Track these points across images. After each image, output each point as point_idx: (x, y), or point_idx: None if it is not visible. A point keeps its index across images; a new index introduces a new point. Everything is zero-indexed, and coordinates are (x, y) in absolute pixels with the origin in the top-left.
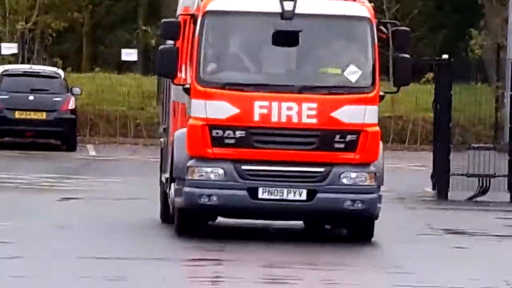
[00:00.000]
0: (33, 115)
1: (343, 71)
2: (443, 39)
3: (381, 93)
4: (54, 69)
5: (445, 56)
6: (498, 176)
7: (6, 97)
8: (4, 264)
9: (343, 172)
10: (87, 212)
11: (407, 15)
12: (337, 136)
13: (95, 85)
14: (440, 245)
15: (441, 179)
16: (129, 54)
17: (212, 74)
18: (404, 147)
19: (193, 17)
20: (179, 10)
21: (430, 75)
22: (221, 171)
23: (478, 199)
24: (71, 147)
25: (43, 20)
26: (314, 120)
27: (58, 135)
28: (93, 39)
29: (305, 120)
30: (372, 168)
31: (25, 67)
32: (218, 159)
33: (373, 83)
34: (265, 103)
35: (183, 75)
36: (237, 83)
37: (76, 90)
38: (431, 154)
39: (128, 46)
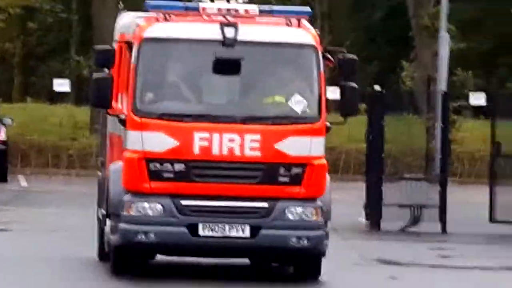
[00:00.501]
0: None
1: (287, 100)
2: (375, 71)
3: (328, 124)
4: None
5: (377, 87)
6: (430, 206)
7: None
8: None
9: (288, 207)
10: (18, 244)
11: (340, 46)
12: (282, 169)
13: (26, 116)
14: (373, 275)
15: (373, 209)
16: (61, 85)
17: (149, 104)
18: (337, 178)
19: (129, 44)
20: (115, 37)
21: (362, 106)
22: (159, 207)
23: (410, 229)
24: (2, 178)
25: None
26: (257, 153)
27: None
28: (25, 69)
29: (248, 152)
30: (318, 202)
31: None
32: (156, 194)
33: (319, 113)
34: (206, 135)
35: (119, 105)
36: (175, 113)
37: (7, 120)
38: (364, 185)
39: (60, 76)
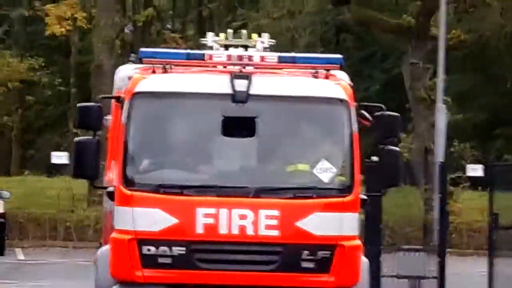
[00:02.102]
0: None
1: (312, 168)
2: (372, 142)
3: (363, 196)
4: None
5: (375, 158)
6: (428, 277)
7: None
8: None
9: None
10: None
11: None
12: (305, 253)
13: (24, 188)
14: None
15: (372, 280)
16: (59, 157)
17: (142, 173)
18: None
19: (120, 101)
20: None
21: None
22: None
23: None
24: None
25: None
26: (275, 232)
27: None
28: (23, 142)
29: (263, 231)
30: None
31: None
32: (150, 284)
33: (352, 183)
34: (212, 211)
35: (111, 175)
36: (174, 184)
37: (5, 193)
38: None
39: (59, 148)
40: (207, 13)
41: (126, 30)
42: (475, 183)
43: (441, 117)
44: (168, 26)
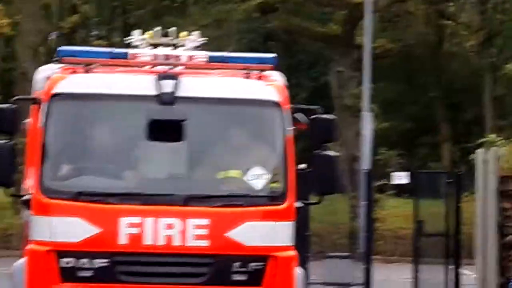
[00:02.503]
0: None
1: (244, 174)
2: (299, 150)
3: (298, 204)
4: None
5: (302, 166)
6: (355, 284)
7: None
8: None
9: None
10: None
11: None
12: (236, 264)
13: None
14: None
15: None
16: None
17: (61, 180)
18: None
19: (37, 103)
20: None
21: None
22: None
23: None
24: None
25: None
26: (204, 243)
27: None
28: None
29: (191, 242)
30: None
31: None
32: None
33: (286, 190)
34: (136, 220)
35: (29, 183)
36: (96, 192)
37: None
38: None
39: None
40: (133, 21)
41: (51, 37)
42: (400, 190)
43: (367, 125)
44: (95, 33)
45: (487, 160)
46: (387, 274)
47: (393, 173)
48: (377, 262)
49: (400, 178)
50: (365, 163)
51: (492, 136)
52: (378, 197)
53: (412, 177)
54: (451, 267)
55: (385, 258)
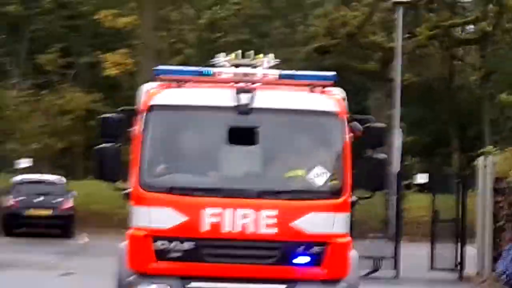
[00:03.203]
0: (41, 212)
1: (307, 173)
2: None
3: (353, 199)
4: (58, 177)
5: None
6: (387, 257)
7: (22, 198)
8: None
9: None
10: (83, 285)
11: None
12: (301, 249)
13: (87, 190)
14: None
15: None
16: (24, 163)
17: (157, 177)
18: None
19: (137, 113)
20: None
21: None
22: None
23: (372, 275)
24: (70, 235)
25: (50, 142)
26: (273, 230)
27: (60, 226)
28: (86, 155)
29: (263, 230)
30: (342, 284)
31: (36, 176)
32: (163, 275)
33: (343, 187)
34: (217, 210)
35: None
36: (185, 187)
37: (74, 193)
38: None
39: None
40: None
41: None
42: (421, 187)
43: (397, 139)
44: None
45: (486, 165)
46: (411, 250)
47: (416, 175)
48: (403, 241)
49: (421, 178)
50: (396, 167)
51: (490, 148)
52: (405, 192)
53: (430, 178)
54: (459, 245)
55: (410, 238)
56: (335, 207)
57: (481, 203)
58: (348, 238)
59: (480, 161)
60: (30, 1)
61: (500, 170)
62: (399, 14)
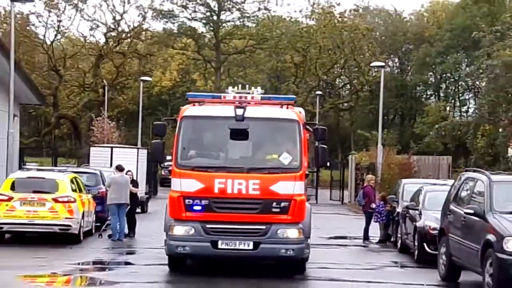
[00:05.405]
0: None
1: (279, 157)
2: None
3: (307, 172)
4: None
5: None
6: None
7: None
8: None
9: (279, 229)
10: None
11: None
12: (274, 204)
13: None
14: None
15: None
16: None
17: (186, 160)
18: None
19: (175, 120)
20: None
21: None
22: (191, 229)
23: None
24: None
25: None
26: (257, 192)
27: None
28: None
29: (251, 192)
30: (300, 225)
31: None
32: (189, 220)
33: (300, 165)
34: (223, 180)
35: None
36: (202, 166)
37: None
38: None
39: None
40: None
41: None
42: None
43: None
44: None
45: (352, 158)
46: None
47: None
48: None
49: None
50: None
51: (353, 152)
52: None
53: (329, 163)
54: (341, 190)
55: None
56: (295, 178)
57: (350, 174)
58: (303, 197)
59: (350, 156)
60: None
61: (358, 160)
62: None
